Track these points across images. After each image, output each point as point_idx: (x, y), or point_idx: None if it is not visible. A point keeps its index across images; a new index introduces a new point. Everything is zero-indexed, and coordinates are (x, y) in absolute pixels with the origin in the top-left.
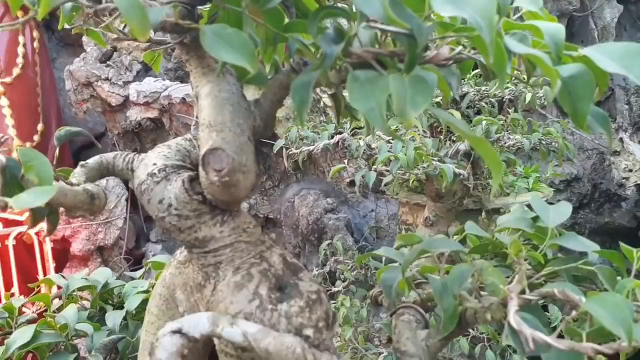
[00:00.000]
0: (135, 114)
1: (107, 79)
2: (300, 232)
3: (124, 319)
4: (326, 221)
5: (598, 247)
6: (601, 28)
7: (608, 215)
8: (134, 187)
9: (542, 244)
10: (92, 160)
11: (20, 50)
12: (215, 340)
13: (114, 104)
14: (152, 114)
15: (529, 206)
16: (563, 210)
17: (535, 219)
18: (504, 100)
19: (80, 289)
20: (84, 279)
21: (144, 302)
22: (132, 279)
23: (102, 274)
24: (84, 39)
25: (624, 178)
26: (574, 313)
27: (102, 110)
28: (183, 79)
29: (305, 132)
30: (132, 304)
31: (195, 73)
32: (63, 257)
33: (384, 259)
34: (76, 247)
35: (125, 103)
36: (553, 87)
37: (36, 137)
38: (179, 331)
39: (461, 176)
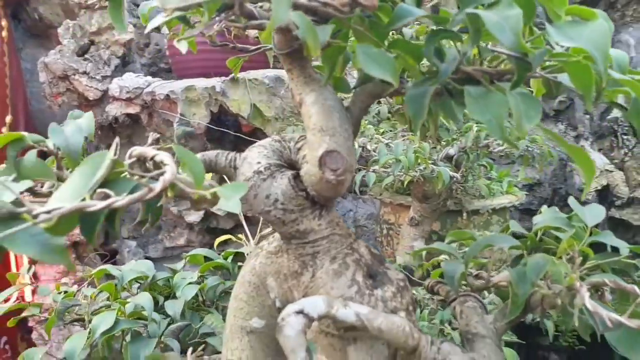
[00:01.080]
0: (115, 109)
1: (85, 72)
2: None
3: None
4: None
5: (627, 244)
6: None
7: None
8: (235, 180)
9: (578, 242)
10: (197, 157)
11: None
12: (314, 325)
13: (91, 98)
14: (134, 109)
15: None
16: (598, 212)
17: (570, 218)
18: None
19: (132, 280)
20: (134, 271)
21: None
22: (174, 270)
23: (145, 266)
24: (59, 30)
25: (584, 184)
26: (639, 300)
27: (78, 104)
28: (157, 74)
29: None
30: (187, 294)
31: (297, 81)
32: None
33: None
34: None
35: (103, 97)
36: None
37: (4, 129)
38: (301, 312)
39: (454, 179)
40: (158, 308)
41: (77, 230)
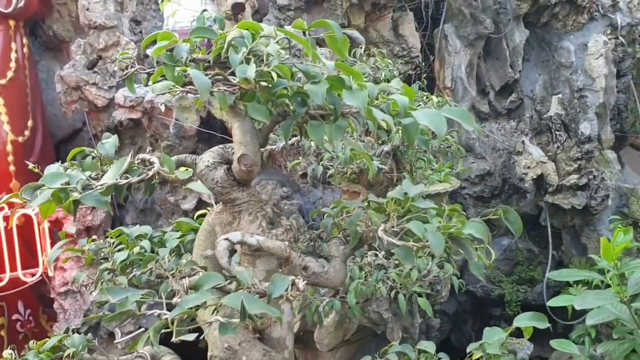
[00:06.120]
0: (120, 115)
1: (94, 83)
2: None
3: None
4: (282, 206)
5: (433, 204)
6: (512, 48)
7: (515, 204)
8: (195, 172)
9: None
10: (174, 158)
11: (13, 55)
12: (238, 249)
13: (99, 105)
14: (136, 115)
15: None
16: (417, 189)
17: (406, 193)
18: None
19: (138, 237)
20: (140, 230)
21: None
22: (164, 232)
23: (147, 228)
24: (72, 47)
25: (523, 173)
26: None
27: (89, 110)
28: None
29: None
30: (172, 244)
31: (229, 115)
32: (56, 235)
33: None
34: (67, 227)
35: (109, 105)
36: (392, 131)
37: (27, 132)
38: (227, 239)
39: (383, 170)
40: (155, 253)
41: (90, 217)
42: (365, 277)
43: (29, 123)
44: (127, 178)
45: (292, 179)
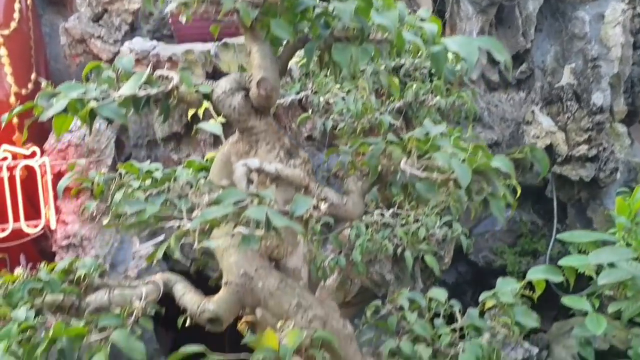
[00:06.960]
0: None
1: (99, 37)
2: None
3: None
4: None
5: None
6: (525, 16)
7: (521, 176)
8: (212, 99)
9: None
10: None
11: (16, 6)
12: (254, 178)
13: (104, 59)
14: (141, 69)
15: None
16: (439, 129)
17: (427, 134)
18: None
19: (148, 172)
20: (149, 167)
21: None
22: (174, 170)
23: (156, 165)
24: (78, 0)
25: (532, 143)
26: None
27: None
28: (160, 39)
29: None
30: (183, 178)
31: (248, 39)
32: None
33: None
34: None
35: (114, 59)
36: (424, 55)
37: (30, 85)
38: (245, 165)
39: (394, 126)
40: None
41: (93, 172)
42: (371, 234)
43: (32, 76)
44: (145, 89)
45: (295, 141)
